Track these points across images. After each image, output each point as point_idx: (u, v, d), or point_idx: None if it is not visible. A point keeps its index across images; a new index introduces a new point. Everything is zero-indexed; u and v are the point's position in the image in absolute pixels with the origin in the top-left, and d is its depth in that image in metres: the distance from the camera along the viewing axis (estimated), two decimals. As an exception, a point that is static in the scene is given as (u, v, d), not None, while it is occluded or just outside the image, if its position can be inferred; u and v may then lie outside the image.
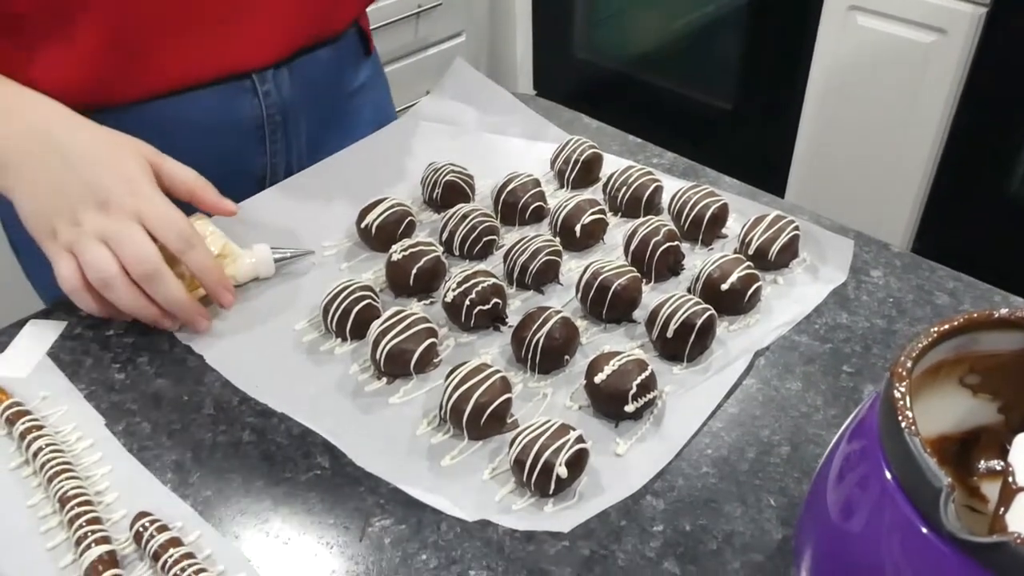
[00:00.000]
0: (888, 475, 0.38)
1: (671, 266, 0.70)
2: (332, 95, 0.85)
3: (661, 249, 0.68)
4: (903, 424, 0.36)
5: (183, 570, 0.48)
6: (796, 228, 0.70)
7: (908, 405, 0.37)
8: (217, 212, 0.66)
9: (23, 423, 0.57)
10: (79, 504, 0.51)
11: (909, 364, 0.39)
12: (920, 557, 0.37)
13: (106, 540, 0.49)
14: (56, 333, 0.66)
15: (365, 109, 0.89)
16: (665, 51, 2.03)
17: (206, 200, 0.65)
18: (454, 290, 0.63)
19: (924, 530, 0.36)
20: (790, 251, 0.70)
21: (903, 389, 0.38)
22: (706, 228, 0.72)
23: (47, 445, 0.55)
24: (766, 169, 1.83)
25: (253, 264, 0.68)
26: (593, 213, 0.72)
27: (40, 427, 0.57)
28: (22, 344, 0.65)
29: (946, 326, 0.41)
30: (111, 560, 0.49)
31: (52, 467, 0.54)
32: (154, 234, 0.60)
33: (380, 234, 0.71)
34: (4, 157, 0.61)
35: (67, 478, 0.53)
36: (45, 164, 0.60)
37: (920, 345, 0.40)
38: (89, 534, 0.49)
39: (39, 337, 0.66)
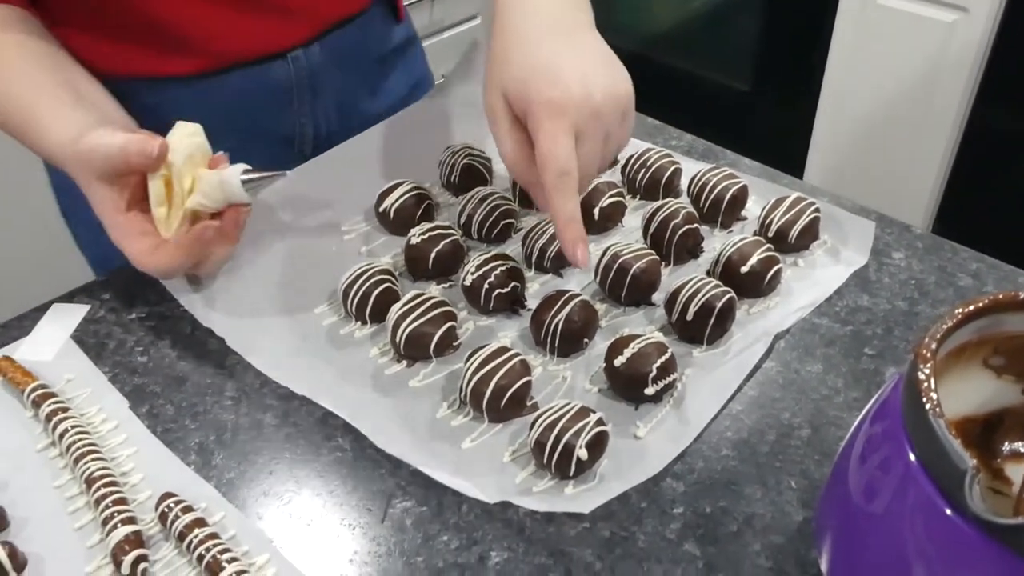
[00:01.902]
0: (912, 456, 0.38)
1: (690, 249, 0.69)
2: (361, 61, 0.86)
3: (680, 232, 0.67)
4: (928, 406, 0.36)
5: (208, 550, 0.48)
6: (817, 210, 0.69)
7: (933, 387, 0.37)
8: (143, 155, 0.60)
9: (49, 405, 0.57)
10: (105, 485, 0.52)
11: (933, 346, 0.39)
12: (944, 538, 0.37)
13: (132, 520, 0.50)
14: (79, 316, 0.67)
15: (397, 74, 0.91)
16: (682, 32, 2.01)
17: (131, 158, 0.59)
18: (473, 273, 0.63)
19: (948, 512, 0.36)
20: (810, 233, 0.69)
21: (927, 371, 0.38)
22: (725, 210, 0.71)
23: (72, 427, 0.56)
24: (784, 150, 1.82)
25: (219, 185, 0.61)
26: (611, 196, 0.72)
27: (65, 409, 0.57)
28: (46, 328, 0.66)
29: (971, 307, 0.41)
30: (137, 540, 0.49)
31: (78, 449, 0.54)
32: None
33: (398, 218, 0.71)
34: (62, 162, 0.63)
35: (93, 459, 0.54)
36: None
37: (944, 327, 0.40)
38: (115, 515, 0.50)
39: (63, 321, 0.66)
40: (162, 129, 0.62)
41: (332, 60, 0.82)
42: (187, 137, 0.61)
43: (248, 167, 0.61)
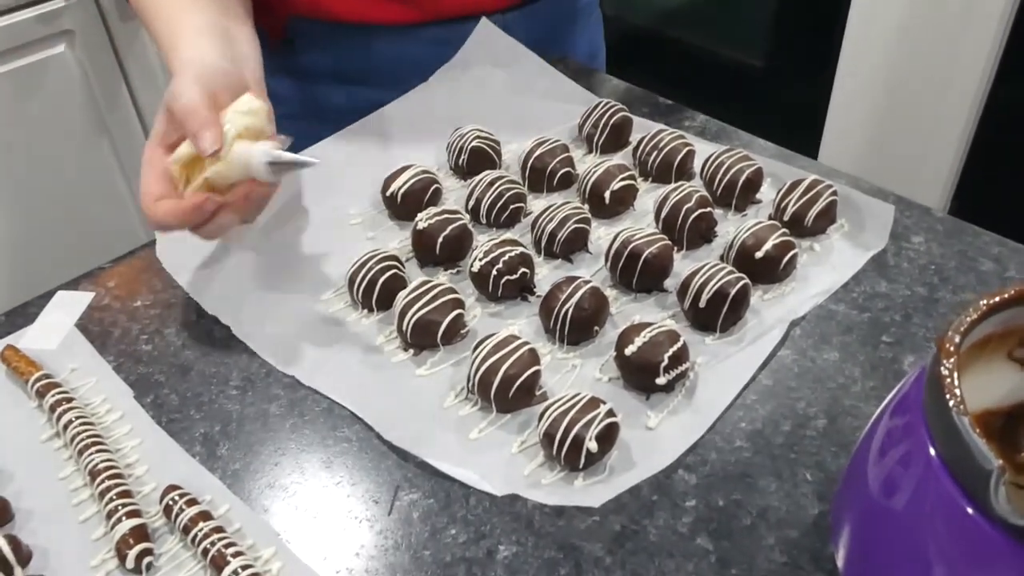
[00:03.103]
0: (933, 453, 0.37)
1: (703, 233, 0.68)
2: (551, 28, 0.92)
3: (693, 216, 0.66)
4: (951, 403, 0.35)
5: (213, 544, 0.48)
6: (834, 193, 0.68)
7: (956, 383, 0.36)
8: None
9: (53, 395, 0.57)
10: (109, 477, 0.51)
11: (957, 339, 0.38)
12: (965, 538, 0.36)
13: (136, 513, 0.50)
14: (84, 304, 0.66)
15: (579, 41, 0.96)
16: (696, 7, 1.98)
17: (186, 128, 0.58)
18: (481, 260, 0.62)
19: (970, 510, 0.35)
20: (827, 217, 0.68)
21: (950, 365, 0.36)
22: (740, 194, 0.70)
23: (77, 418, 0.55)
24: (799, 127, 1.79)
25: (244, 159, 0.58)
26: (623, 179, 0.70)
27: (70, 399, 0.57)
28: (51, 316, 0.65)
29: (996, 299, 0.40)
30: (141, 533, 0.49)
31: (82, 440, 0.54)
32: None
33: (406, 202, 0.70)
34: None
35: (97, 451, 0.53)
36: None
37: (968, 319, 0.39)
38: (120, 507, 0.50)
39: (67, 308, 0.66)
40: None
41: (523, 24, 0.87)
42: (242, 116, 0.58)
43: (280, 149, 0.58)
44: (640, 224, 0.68)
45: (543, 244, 0.67)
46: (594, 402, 0.52)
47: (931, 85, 1.58)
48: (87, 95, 1.41)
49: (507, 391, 0.54)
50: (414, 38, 0.77)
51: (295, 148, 0.62)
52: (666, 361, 0.54)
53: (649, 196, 0.72)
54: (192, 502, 0.50)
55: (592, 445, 0.50)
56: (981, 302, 0.39)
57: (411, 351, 0.60)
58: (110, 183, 1.50)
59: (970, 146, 1.61)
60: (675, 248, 0.66)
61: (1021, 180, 1.58)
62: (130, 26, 1.43)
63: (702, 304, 0.59)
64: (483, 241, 0.65)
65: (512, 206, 0.70)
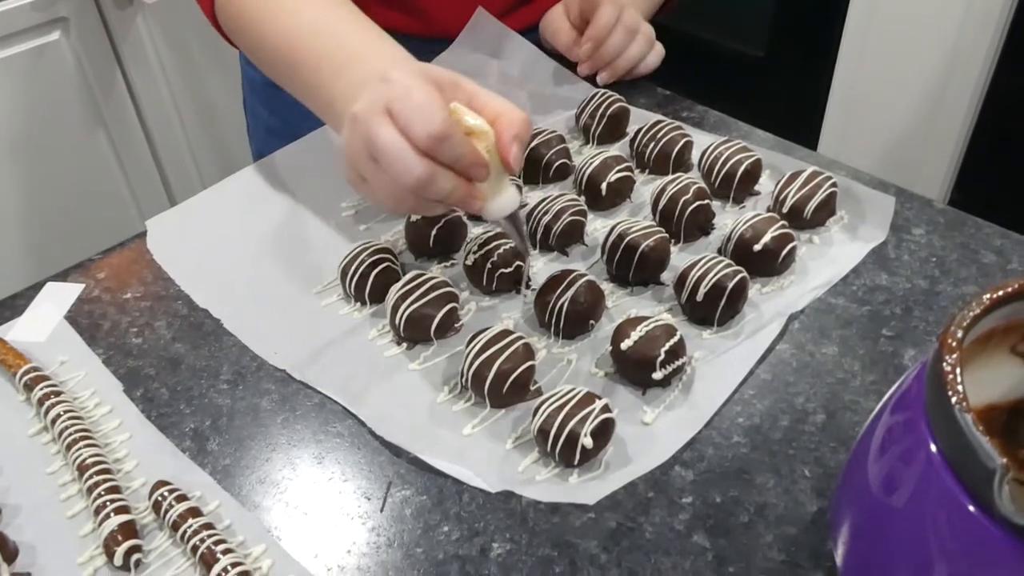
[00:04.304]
0: (934, 449, 0.36)
1: (701, 226, 0.67)
2: None
3: (691, 208, 0.65)
4: (953, 399, 0.34)
5: (202, 540, 0.47)
6: (833, 185, 0.67)
7: (959, 379, 0.35)
8: (502, 158, 0.55)
9: (41, 389, 0.56)
10: (98, 472, 0.51)
11: (959, 334, 0.37)
12: (966, 536, 0.35)
13: (125, 510, 0.49)
14: (74, 296, 0.65)
15: None
16: (695, -4, 1.96)
17: (502, 138, 0.54)
18: (475, 252, 0.61)
19: (971, 508, 0.34)
20: (827, 209, 0.67)
21: (953, 361, 0.35)
22: (738, 185, 0.69)
23: (65, 412, 0.54)
24: (799, 117, 1.78)
25: (507, 201, 0.57)
26: (620, 170, 0.69)
27: (58, 393, 0.56)
28: (40, 307, 0.64)
29: (999, 293, 0.39)
30: (130, 530, 0.48)
31: (70, 434, 0.53)
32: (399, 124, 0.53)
33: (399, 194, 0.69)
34: (340, 110, 0.59)
35: (85, 445, 0.52)
36: None
37: (971, 314, 0.38)
38: (108, 503, 0.49)
39: (57, 300, 0.65)
40: None
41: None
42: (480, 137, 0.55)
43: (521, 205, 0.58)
44: (637, 216, 0.67)
45: (538, 236, 0.66)
46: (589, 397, 0.51)
47: (932, 76, 1.57)
48: (82, 83, 1.40)
49: (501, 386, 0.53)
50: (417, 52, 0.76)
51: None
52: (663, 356, 0.54)
53: (646, 188, 0.71)
54: (182, 498, 0.49)
55: (587, 441, 0.49)
56: (984, 296, 0.38)
57: (404, 345, 0.59)
58: (105, 172, 1.49)
59: (970, 137, 1.60)
60: (672, 241, 0.65)
61: (1021, 171, 1.57)
62: (126, 13, 1.42)
63: (699, 298, 0.58)
64: (477, 233, 0.64)
65: (508, 198, 0.69)
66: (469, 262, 0.62)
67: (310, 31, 0.64)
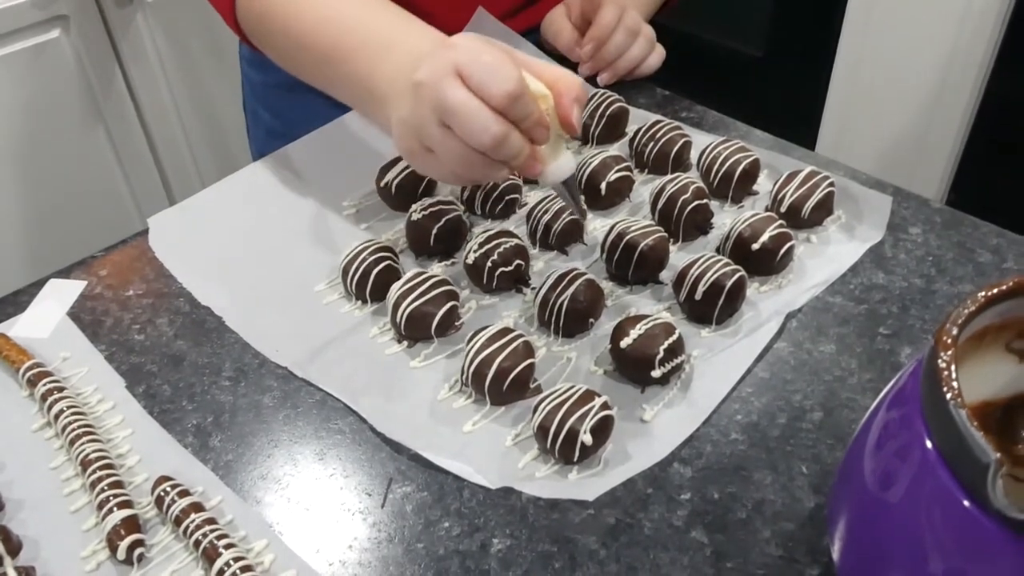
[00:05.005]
0: (930, 445, 0.37)
1: (700, 225, 0.67)
2: None
3: (689, 207, 0.65)
4: (948, 395, 0.35)
5: (205, 535, 0.47)
6: (831, 184, 0.67)
7: (954, 375, 0.35)
8: (563, 120, 0.55)
9: (45, 384, 0.56)
10: (101, 468, 0.51)
11: (954, 331, 0.37)
12: (962, 531, 0.36)
13: (128, 504, 0.49)
14: (76, 293, 0.65)
15: None
16: (693, -4, 1.97)
17: (561, 100, 0.54)
18: (476, 251, 0.62)
19: (966, 503, 0.35)
20: (825, 208, 0.67)
21: (948, 358, 0.36)
22: (736, 185, 0.69)
23: (69, 407, 0.55)
24: (797, 116, 1.78)
25: (564, 165, 0.57)
26: (619, 170, 0.69)
27: (62, 388, 0.56)
28: (43, 304, 0.64)
29: (994, 290, 0.39)
30: (133, 524, 0.48)
31: (74, 429, 0.53)
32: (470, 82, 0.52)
33: (400, 192, 0.70)
34: (384, 94, 0.59)
35: (89, 441, 0.53)
36: None
37: (966, 311, 0.38)
38: (111, 498, 0.49)
39: (59, 297, 0.65)
40: None
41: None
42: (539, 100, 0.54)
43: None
44: (636, 216, 0.68)
45: (538, 235, 0.66)
46: (589, 395, 0.51)
47: (929, 77, 1.57)
48: (82, 81, 1.40)
49: (501, 384, 0.54)
50: None
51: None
52: (661, 354, 0.54)
53: (645, 187, 0.72)
54: (184, 493, 0.50)
55: (587, 438, 0.49)
56: (979, 294, 0.39)
57: (405, 343, 0.60)
58: (104, 169, 1.49)
59: (968, 138, 1.60)
60: (671, 240, 0.65)
61: (1018, 172, 1.57)
62: (126, 12, 1.42)
63: (698, 296, 0.59)
64: (478, 233, 0.64)
65: (507, 197, 0.69)
66: (470, 261, 0.62)
67: (342, 21, 0.64)
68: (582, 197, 0.63)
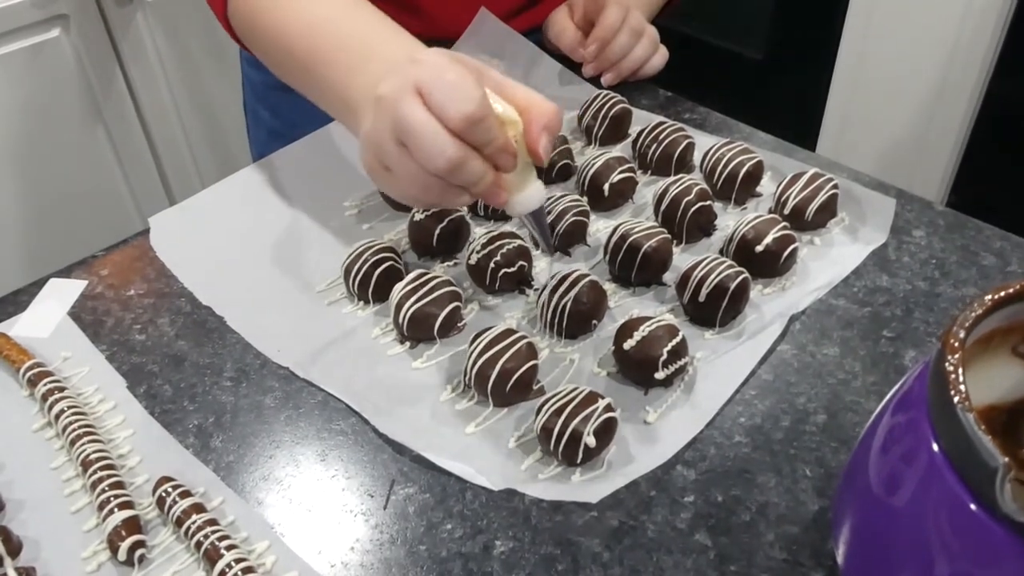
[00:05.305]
0: (936, 449, 0.36)
1: (703, 227, 0.67)
2: None
3: (693, 209, 0.65)
4: (956, 399, 0.34)
5: (206, 536, 0.47)
6: (835, 186, 0.67)
7: (961, 379, 0.35)
8: (530, 149, 0.53)
9: (45, 384, 0.56)
10: (102, 468, 0.51)
11: (961, 334, 0.37)
12: (969, 535, 0.36)
13: (129, 505, 0.49)
14: (77, 292, 0.65)
15: None
16: None
17: (531, 128, 0.53)
18: (478, 252, 0.62)
19: (973, 507, 0.35)
20: (828, 210, 0.67)
21: (955, 361, 0.36)
22: (740, 187, 0.69)
23: (69, 407, 0.55)
24: (797, 119, 1.78)
25: (533, 196, 0.55)
26: (622, 171, 0.69)
27: (62, 388, 0.56)
28: (43, 304, 0.64)
29: (1001, 294, 0.39)
30: (134, 525, 0.48)
31: (75, 430, 0.53)
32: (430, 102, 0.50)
33: (402, 193, 0.69)
34: (357, 105, 0.57)
35: (89, 441, 0.52)
36: None
37: (973, 315, 0.38)
38: (112, 499, 0.49)
39: (60, 296, 0.65)
40: None
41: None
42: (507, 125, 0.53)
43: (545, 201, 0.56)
44: (639, 217, 0.67)
45: (541, 236, 0.66)
46: (592, 397, 0.51)
47: (930, 79, 1.57)
48: (82, 80, 1.40)
49: (504, 385, 0.53)
50: None
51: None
52: (665, 355, 0.54)
53: (648, 189, 0.71)
54: (185, 494, 0.49)
55: (590, 440, 0.49)
56: (986, 297, 0.39)
57: (407, 344, 0.59)
58: (105, 169, 1.49)
59: (968, 141, 1.60)
60: (674, 241, 0.65)
61: (1019, 173, 1.57)
62: (126, 11, 1.42)
63: (701, 298, 0.58)
64: (480, 233, 0.64)
65: (510, 197, 0.69)
66: (472, 261, 0.62)
67: (324, 27, 0.63)
68: (551, 231, 0.60)
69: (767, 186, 0.71)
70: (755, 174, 0.70)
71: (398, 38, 0.61)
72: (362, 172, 0.73)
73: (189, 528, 0.48)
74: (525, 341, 0.55)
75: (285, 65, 0.69)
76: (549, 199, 0.67)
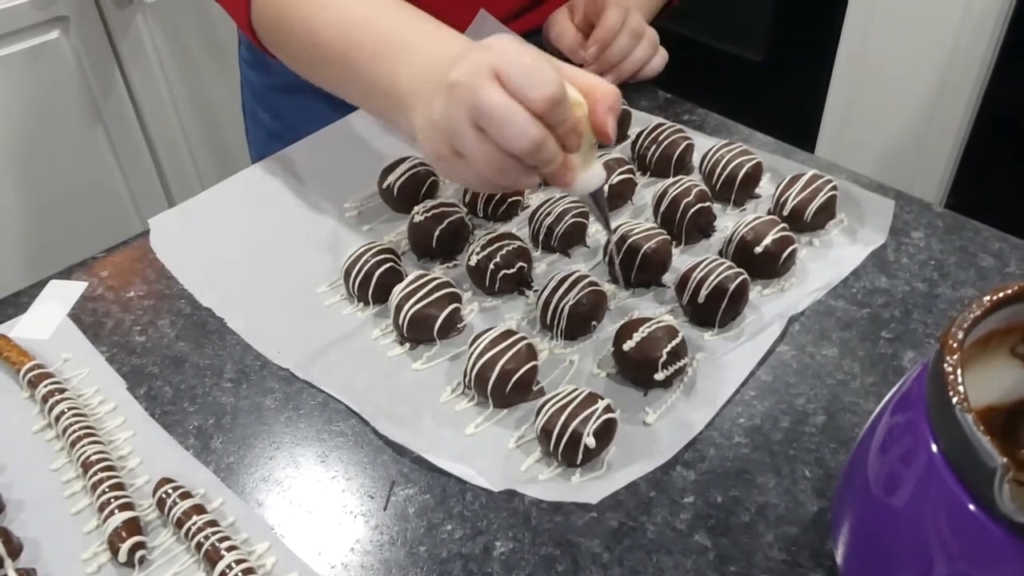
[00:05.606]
0: (935, 449, 0.36)
1: (702, 228, 0.67)
2: None
3: (692, 210, 0.65)
4: (954, 400, 0.35)
5: (206, 538, 0.47)
6: (834, 188, 0.67)
7: (960, 380, 0.35)
8: (598, 129, 0.54)
9: (45, 385, 0.56)
10: (102, 469, 0.51)
11: (960, 335, 0.37)
12: (967, 535, 0.36)
13: (129, 506, 0.49)
14: (77, 294, 0.65)
15: None
16: (694, 0, 1.97)
17: (597, 108, 0.53)
18: (478, 253, 0.62)
19: (972, 508, 0.35)
20: (827, 212, 0.67)
21: (954, 362, 0.36)
22: (739, 188, 0.69)
23: (69, 409, 0.55)
24: (796, 121, 1.78)
25: (596, 176, 0.56)
26: (621, 173, 0.69)
27: (63, 390, 0.56)
28: (43, 305, 0.64)
29: (999, 295, 0.39)
30: (134, 527, 0.48)
31: (75, 431, 0.53)
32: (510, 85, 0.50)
33: (402, 194, 0.70)
34: (406, 97, 0.57)
35: (90, 442, 0.53)
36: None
37: (972, 315, 0.38)
38: (112, 500, 0.49)
39: (60, 298, 0.65)
40: None
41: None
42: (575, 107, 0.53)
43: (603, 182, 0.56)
44: (639, 218, 0.67)
45: (541, 238, 0.66)
46: (592, 398, 0.51)
47: (929, 81, 1.58)
48: (81, 82, 1.40)
49: (504, 386, 0.54)
50: None
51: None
52: (664, 357, 0.54)
53: (647, 190, 0.72)
54: (186, 495, 0.49)
55: (590, 441, 0.49)
56: (985, 298, 0.39)
57: (407, 345, 0.60)
58: (103, 171, 1.49)
59: (967, 142, 1.61)
60: (674, 243, 0.65)
61: (1018, 175, 1.58)
62: (125, 13, 1.42)
63: (701, 299, 0.59)
64: (480, 235, 0.64)
65: (510, 199, 0.69)
66: (472, 263, 0.62)
67: (360, 24, 0.63)
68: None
69: (766, 187, 0.72)
70: (754, 175, 0.70)
71: (438, 30, 0.61)
72: (361, 173, 0.74)
73: (189, 529, 0.48)
74: (525, 342, 0.55)
75: (316, 64, 0.68)
76: (549, 200, 0.67)
